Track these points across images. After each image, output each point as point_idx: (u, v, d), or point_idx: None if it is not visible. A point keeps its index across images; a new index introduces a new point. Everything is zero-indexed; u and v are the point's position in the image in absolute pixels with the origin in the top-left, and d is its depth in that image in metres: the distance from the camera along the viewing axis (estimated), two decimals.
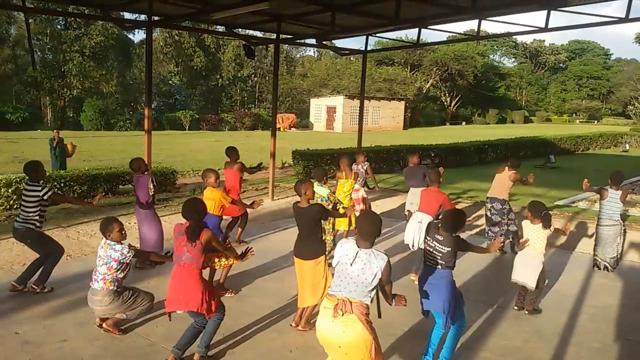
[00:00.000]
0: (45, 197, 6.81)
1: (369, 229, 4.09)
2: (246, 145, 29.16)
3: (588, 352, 5.62)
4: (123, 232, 5.66)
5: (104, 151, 24.15)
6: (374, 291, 4.07)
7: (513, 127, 56.79)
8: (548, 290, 7.28)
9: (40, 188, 6.79)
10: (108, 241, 5.58)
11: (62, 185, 12.22)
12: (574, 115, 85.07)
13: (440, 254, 5.00)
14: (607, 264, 8.24)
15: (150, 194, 7.99)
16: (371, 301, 4.06)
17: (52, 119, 49.27)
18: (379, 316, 4.29)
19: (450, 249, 4.97)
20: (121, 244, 5.60)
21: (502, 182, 9.28)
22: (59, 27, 47.43)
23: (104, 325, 5.70)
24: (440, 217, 7.65)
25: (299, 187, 5.89)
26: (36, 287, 6.77)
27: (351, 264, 4.02)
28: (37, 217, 6.84)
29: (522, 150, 27.01)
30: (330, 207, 7.90)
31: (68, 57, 44.85)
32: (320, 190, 7.90)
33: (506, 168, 9.35)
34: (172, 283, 5.06)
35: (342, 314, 3.95)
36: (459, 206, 13.21)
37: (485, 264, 8.72)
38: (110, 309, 5.59)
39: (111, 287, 5.53)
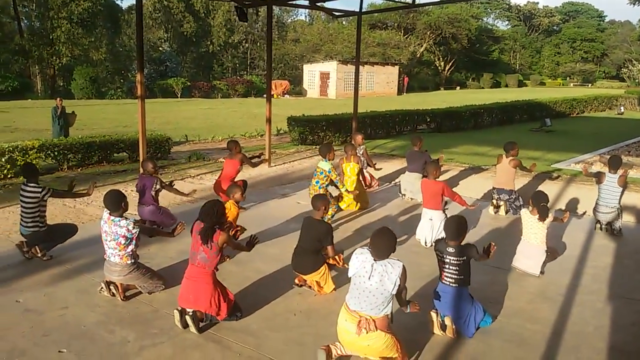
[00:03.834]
0: (45, 198, 6.72)
1: (385, 244, 4.15)
2: (239, 113, 28.92)
3: (592, 311, 5.62)
4: (127, 204, 5.68)
5: (97, 119, 23.80)
6: (393, 298, 4.17)
7: (507, 91, 56.53)
8: None
9: (40, 189, 6.67)
10: (112, 217, 5.52)
11: (56, 153, 12.07)
12: (567, 78, 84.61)
13: (457, 268, 4.94)
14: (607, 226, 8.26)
15: (152, 195, 7.79)
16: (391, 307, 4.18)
17: (42, 88, 48.57)
18: (391, 321, 4.34)
19: (465, 258, 4.94)
20: (126, 218, 5.55)
21: (505, 171, 9.18)
22: None
23: (116, 283, 5.67)
24: (446, 207, 7.66)
25: (316, 202, 5.95)
26: (38, 252, 6.71)
27: (369, 278, 4.09)
28: (38, 218, 6.74)
29: (517, 113, 26.89)
30: (327, 182, 8.45)
31: (56, 24, 43.91)
32: (323, 165, 8.45)
33: (503, 156, 9.24)
34: (184, 282, 5.13)
35: (367, 332, 4.09)
36: (457, 170, 13.18)
37: (488, 227, 8.71)
38: (129, 279, 5.65)
39: (129, 261, 5.59)
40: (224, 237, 5.03)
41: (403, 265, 4.13)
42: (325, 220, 8.14)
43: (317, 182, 8.50)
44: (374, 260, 4.14)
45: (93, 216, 8.72)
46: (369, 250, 4.23)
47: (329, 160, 8.47)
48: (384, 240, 4.17)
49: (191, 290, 5.02)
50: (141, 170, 8.57)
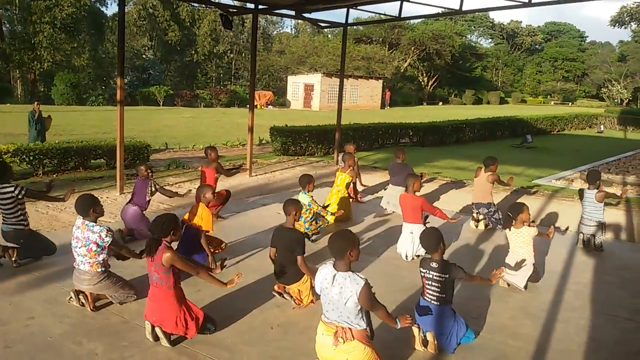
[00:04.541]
0: (20, 197, 6.53)
1: (339, 244, 3.97)
2: (222, 122, 28.67)
3: (575, 328, 5.52)
4: (99, 209, 5.49)
5: (76, 125, 23.43)
6: (363, 312, 3.99)
7: (489, 108, 57.03)
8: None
9: (13, 188, 6.50)
10: (86, 222, 5.35)
11: (31, 158, 11.79)
12: (548, 96, 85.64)
13: (439, 285, 4.84)
14: (590, 237, 8.21)
15: (147, 199, 7.89)
16: (366, 323, 4.02)
17: (22, 93, 47.89)
18: (371, 337, 4.15)
19: (447, 275, 4.83)
20: (99, 225, 5.36)
21: (482, 184, 9.12)
22: None
23: (86, 293, 5.43)
24: (427, 221, 7.54)
25: (287, 207, 5.82)
26: (13, 255, 6.49)
27: (332, 286, 3.96)
28: (21, 217, 6.59)
29: (499, 129, 27.02)
30: (311, 216, 8.02)
31: (38, 28, 43.35)
32: (302, 198, 7.95)
33: (482, 170, 9.18)
34: (148, 302, 4.93)
35: (344, 342, 3.93)
36: (437, 184, 13.12)
37: (470, 241, 8.62)
38: (98, 288, 5.43)
39: (99, 269, 5.39)
40: (169, 257, 4.68)
41: (365, 283, 3.85)
42: (310, 231, 7.99)
43: (300, 218, 8.18)
44: (336, 271, 3.99)
45: (66, 223, 8.46)
46: (332, 263, 4.10)
47: (308, 192, 7.99)
48: (337, 240, 4.00)
49: (155, 312, 4.81)
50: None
